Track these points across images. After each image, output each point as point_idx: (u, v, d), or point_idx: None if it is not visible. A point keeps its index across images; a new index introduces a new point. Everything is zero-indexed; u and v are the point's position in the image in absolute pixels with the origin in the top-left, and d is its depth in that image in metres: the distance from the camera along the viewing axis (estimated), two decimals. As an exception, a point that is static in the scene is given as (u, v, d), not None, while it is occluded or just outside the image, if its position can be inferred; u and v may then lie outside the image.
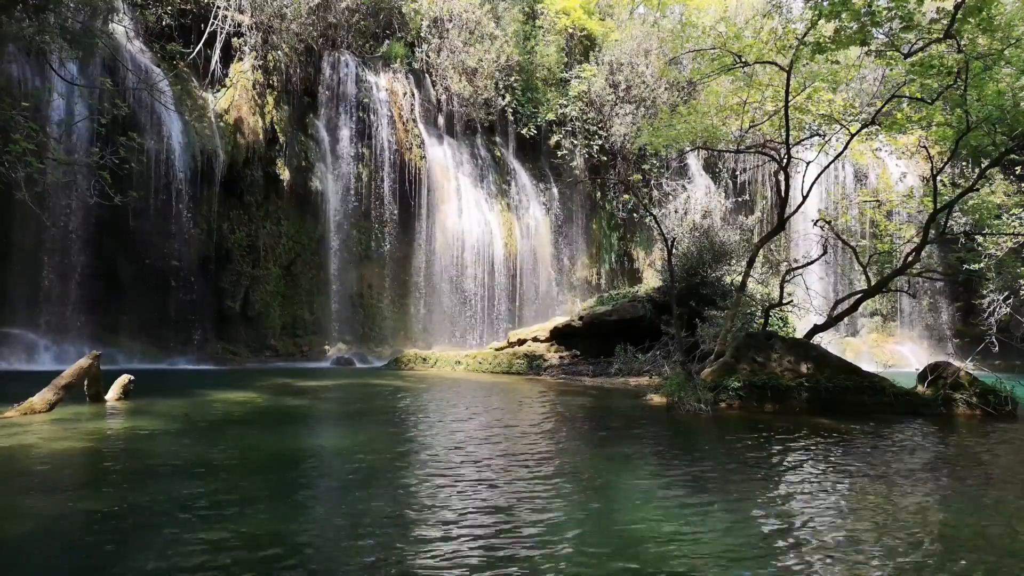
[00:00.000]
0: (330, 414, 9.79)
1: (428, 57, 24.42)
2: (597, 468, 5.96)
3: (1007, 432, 8.54)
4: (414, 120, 23.69)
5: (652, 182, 26.79)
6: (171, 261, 18.20)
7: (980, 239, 17.16)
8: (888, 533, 4.13)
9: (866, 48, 11.50)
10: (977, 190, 13.90)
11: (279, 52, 21.05)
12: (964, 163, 22.19)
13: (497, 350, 18.75)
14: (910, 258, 12.68)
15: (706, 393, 9.80)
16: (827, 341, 17.81)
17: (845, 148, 13.55)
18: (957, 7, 9.81)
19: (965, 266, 18.21)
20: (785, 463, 6.28)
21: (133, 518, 4.13)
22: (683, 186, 24.73)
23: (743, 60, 12.23)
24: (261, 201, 20.61)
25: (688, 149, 18.38)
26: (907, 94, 11.87)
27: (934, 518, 4.52)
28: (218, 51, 20.13)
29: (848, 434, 7.90)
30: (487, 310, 23.90)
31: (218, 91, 20.21)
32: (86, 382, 8.80)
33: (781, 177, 13.32)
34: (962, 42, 10.23)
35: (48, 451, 5.98)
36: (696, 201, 20.99)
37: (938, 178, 12.83)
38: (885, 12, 10.20)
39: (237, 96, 20.15)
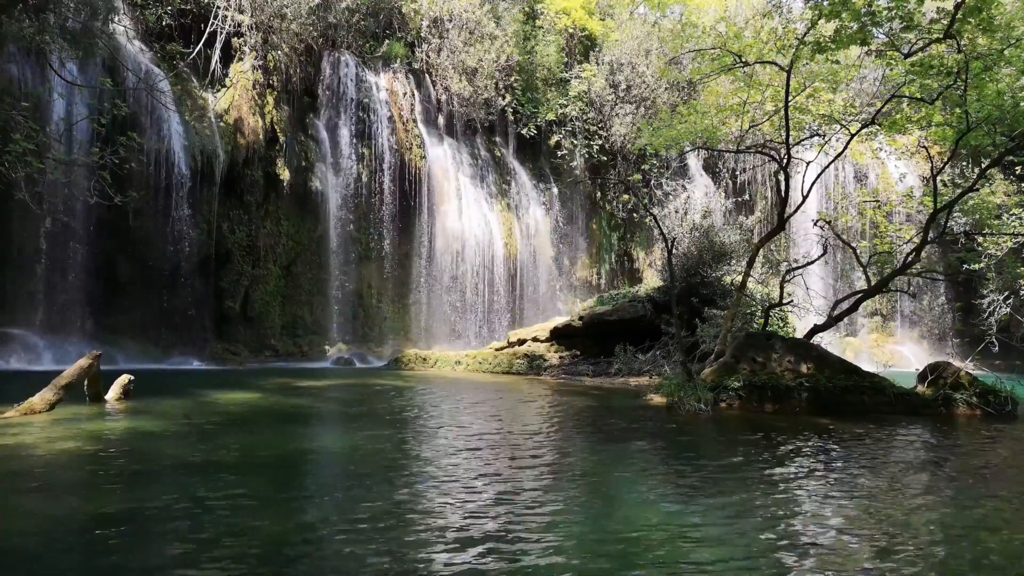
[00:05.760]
0: (331, 414, 9.79)
1: (428, 57, 24.42)
2: (597, 468, 5.96)
3: (1007, 432, 8.54)
4: (414, 120, 23.70)
5: (652, 182, 26.80)
6: (171, 261, 18.21)
7: (980, 239, 17.16)
8: (889, 534, 4.13)
9: (866, 48, 11.50)
10: (977, 190, 13.91)
11: (279, 52, 21.05)
12: (964, 163, 22.18)
13: (497, 350, 18.75)
14: (910, 258, 12.68)
15: (706, 393, 9.80)
16: (827, 341, 17.80)
17: (845, 148, 13.55)
18: (957, 7, 9.81)
19: (965, 266, 18.20)
20: (785, 463, 6.28)
21: (133, 518, 4.12)
22: (683, 186, 24.76)
23: (743, 60, 12.22)
24: (261, 201, 20.61)
25: (688, 149, 18.38)
26: (907, 94, 11.87)
27: (934, 518, 4.52)
28: (218, 51, 20.13)
29: (848, 434, 7.90)
30: (487, 310, 23.90)
31: (218, 91, 20.21)
32: (86, 382, 8.79)
33: (781, 177, 13.32)
34: (962, 42, 10.23)
35: (48, 451, 5.98)
36: (696, 201, 20.99)
37: (938, 178, 12.83)
38: (885, 12, 10.20)
39: (237, 96, 20.16)
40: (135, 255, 18.05)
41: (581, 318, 18.06)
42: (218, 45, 20.08)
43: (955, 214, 14.82)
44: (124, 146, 13.84)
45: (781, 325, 16.61)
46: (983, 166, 12.77)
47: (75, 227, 16.92)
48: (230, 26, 20.13)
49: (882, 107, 12.55)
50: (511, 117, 26.02)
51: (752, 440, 7.59)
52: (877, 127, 12.79)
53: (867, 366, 12.78)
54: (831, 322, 12.52)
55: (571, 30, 27.59)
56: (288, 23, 21.02)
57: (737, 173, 29.14)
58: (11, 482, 4.98)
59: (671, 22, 27.68)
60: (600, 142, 26.58)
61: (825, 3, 10.11)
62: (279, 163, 20.89)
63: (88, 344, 15.38)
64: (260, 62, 20.73)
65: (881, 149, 17.48)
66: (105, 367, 9.59)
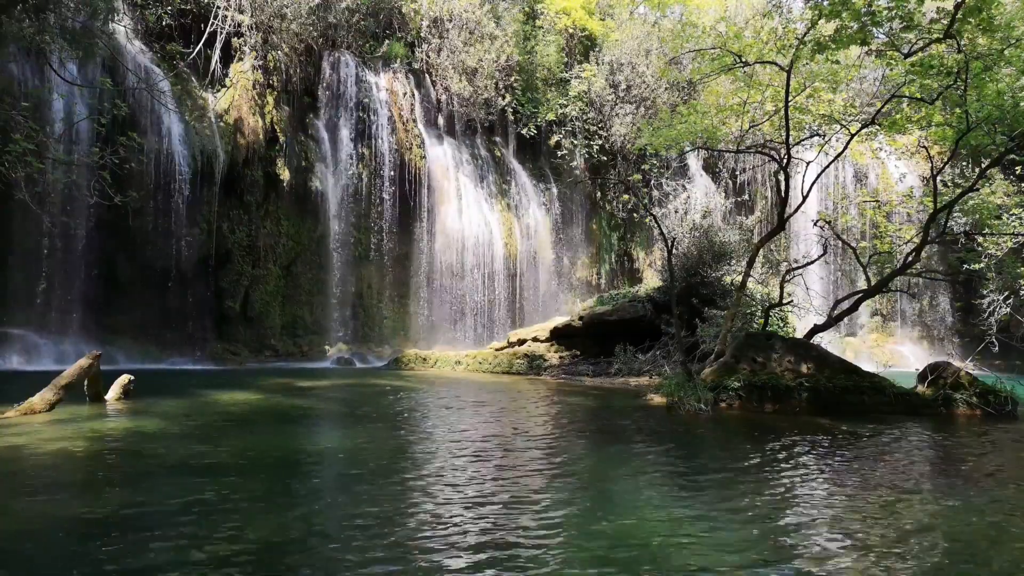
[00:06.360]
0: (331, 414, 9.79)
1: (428, 57, 24.41)
2: (597, 468, 5.96)
3: (1007, 432, 8.54)
4: (414, 120, 23.69)
5: (652, 182, 26.78)
6: (171, 261, 18.21)
7: (980, 239, 17.15)
8: (888, 534, 4.13)
9: (866, 48, 11.49)
10: (977, 190, 13.88)
11: (279, 52, 21.05)
12: (964, 163, 22.16)
13: (497, 350, 18.75)
14: (910, 258, 12.68)
15: (706, 393, 9.80)
16: (827, 341, 17.80)
17: (845, 148, 13.54)
18: (957, 7, 9.81)
19: (965, 266, 18.19)
20: (785, 463, 6.27)
21: (133, 518, 4.12)
22: (683, 186, 24.73)
23: (743, 60, 12.22)
24: (261, 201, 20.61)
25: (688, 149, 18.37)
26: (907, 94, 11.87)
27: (934, 518, 4.52)
28: (218, 51, 20.13)
29: (848, 434, 7.90)
30: (487, 310, 23.90)
31: (218, 91, 20.21)
32: (86, 382, 8.80)
33: (781, 177, 13.31)
34: (962, 42, 10.22)
35: (48, 451, 5.98)
36: (696, 201, 21.00)
37: (938, 178, 12.83)
38: (885, 12, 10.20)
39: (237, 96, 20.16)
40: (135, 255, 18.04)
41: (581, 318, 18.06)
42: (218, 45, 20.08)
43: (955, 214, 14.80)
44: (124, 146, 13.84)
45: (781, 325, 16.61)
46: (983, 166, 12.76)
47: (75, 227, 16.91)
48: (230, 26, 20.13)
49: (882, 107, 12.54)
50: (511, 117, 26.01)
51: (752, 440, 7.59)
52: (877, 127, 12.78)
53: (867, 366, 12.78)
54: (831, 322, 12.52)
55: (571, 30, 27.59)
56: (288, 23, 21.02)
57: (737, 173, 29.13)
58: (11, 482, 4.98)
59: (671, 22, 27.70)
60: (600, 142, 26.58)
61: (825, 3, 10.10)
62: (279, 163, 20.89)
63: (88, 344, 15.38)
64: (260, 62, 20.73)
65: (881, 149, 17.45)
66: (105, 367, 9.59)
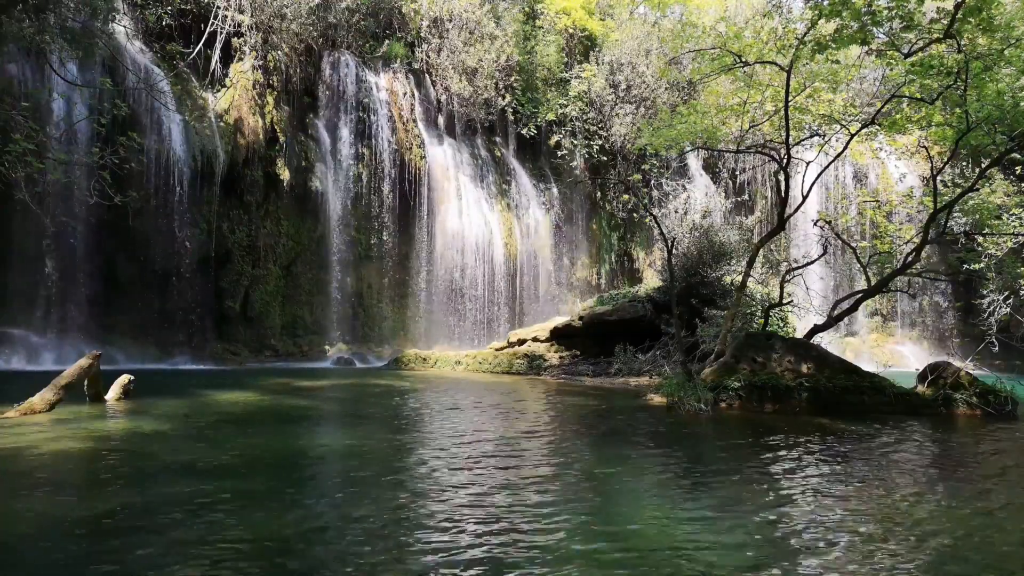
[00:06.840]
0: (331, 415, 9.79)
1: (428, 57, 24.42)
2: (598, 468, 5.95)
3: (1007, 432, 8.54)
4: (414, 120, 23.70)
5: (652, 182, 26.77)
6: (171, 261, 18.21)
7: (980, 239, 17.14)
8: (888, 535, 4.13)
9: (866, 48, 11.49)
10: (977, 190, 13.89)
11: (279, 52, 21.05)
12: (964, 163, 22.17)
13: (497, 350, 18.75)
14: (910, 258, 12.68)
15: (706, 393, 9.80)
16: (827, 341, 17.78)
17: (845, 148, 13.54)
18: (957, 7, 9.81)
19: (965, 266, 18.18)
20: (785, 464, 6.27)
21: (133, 519, 4.12)
22: (683, 186, 24.73)
23: (743, 60, 12.22)
24: (261, 201, 20.61)
25: (688, 149, 18.37)
26: (907, 94, 11.87)
27: (934, 519, 4.52)
28: (218, 51, 20.13)
29: (848, 434, 7.90)
30: (487, 310, 23.90)
31: (218, 91, 20.21)
32: (86, 382, 8.79)
33: (781, 177, 13.31)
34: (962, 42, 10.22)
35: (48, 451, 5.98)
36: (696, 201, 20.98)
37: (938, 178, 12.83)
38: (885, 12, 10.20)
39: (237, 96, 20.16)
40: (135, 255, 18.05)
41: (581, 318, 18.05)
42: (218, 45, 20.08)
43: (955, 214, 14.80)
44: (124, 146, 13.84)
45: (781, 325, 16.60)
46: (983, 166, 12.76)
47: (75, 227, 16.91)
48: (230, 26, 20.13)
49: (882, 107, 12.54)
50: (511, 117, 26.01)
51: (753, 441, 7.59)
52: (877, 127, 12.78)
53: (867, 366, 12.77)
54: (831, 322, 12.52)
55: (571, 30, 27.59)
56: (288, 23, 21.02)
57: (737, 173, 29.13)
58: (11, 482, 4.98)
59: (671, 22, 27.73)
60: (600, 142, 26.58)
61: (825, 3, 10.10)
62: (279, 163, 20.89)
63: (88, 344, 15.38)
64: (260, 62, 20.73)
65: (881, 149, 17.48)
66: (105, 367, 9.59)
